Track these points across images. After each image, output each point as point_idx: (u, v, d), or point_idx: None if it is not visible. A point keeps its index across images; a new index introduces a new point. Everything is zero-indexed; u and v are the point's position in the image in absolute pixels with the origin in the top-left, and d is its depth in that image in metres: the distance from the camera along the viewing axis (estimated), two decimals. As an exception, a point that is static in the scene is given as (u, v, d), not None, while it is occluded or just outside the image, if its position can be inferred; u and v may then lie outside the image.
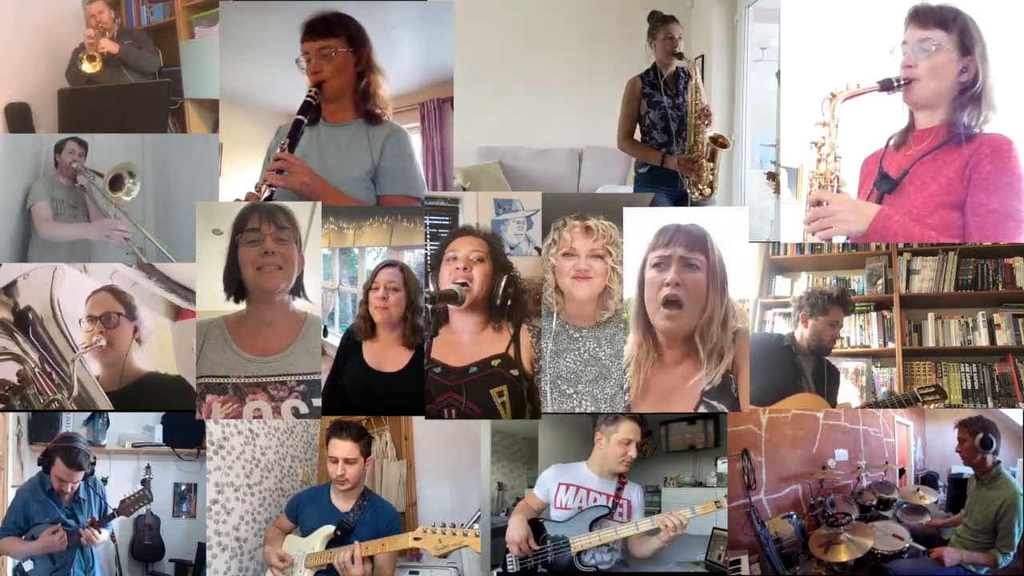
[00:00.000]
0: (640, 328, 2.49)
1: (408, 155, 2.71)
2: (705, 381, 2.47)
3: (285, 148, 2.59)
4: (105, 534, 2.53)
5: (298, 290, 2.60)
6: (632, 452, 2.59)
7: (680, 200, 3.34)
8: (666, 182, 3.35)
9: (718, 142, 3.27)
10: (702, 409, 2.48)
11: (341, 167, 2.68)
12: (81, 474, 2.49)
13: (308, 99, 2.63)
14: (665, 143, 3.38)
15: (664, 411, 2.57)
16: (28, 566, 2.25)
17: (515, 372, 2.52)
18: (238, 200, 2.65)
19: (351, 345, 2.62)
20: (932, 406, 2.69)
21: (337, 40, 2.64)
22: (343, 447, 2.62)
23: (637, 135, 3.46)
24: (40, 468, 2.44)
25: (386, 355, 2.59)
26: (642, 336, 2.49)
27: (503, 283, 2.51)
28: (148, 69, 3.47)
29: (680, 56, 3.33)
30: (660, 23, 3.36)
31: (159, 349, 2.72)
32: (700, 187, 3.31)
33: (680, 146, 3.35)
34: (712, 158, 3.29)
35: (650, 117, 3.39)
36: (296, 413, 2.57)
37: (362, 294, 2.61)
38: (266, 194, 2.59)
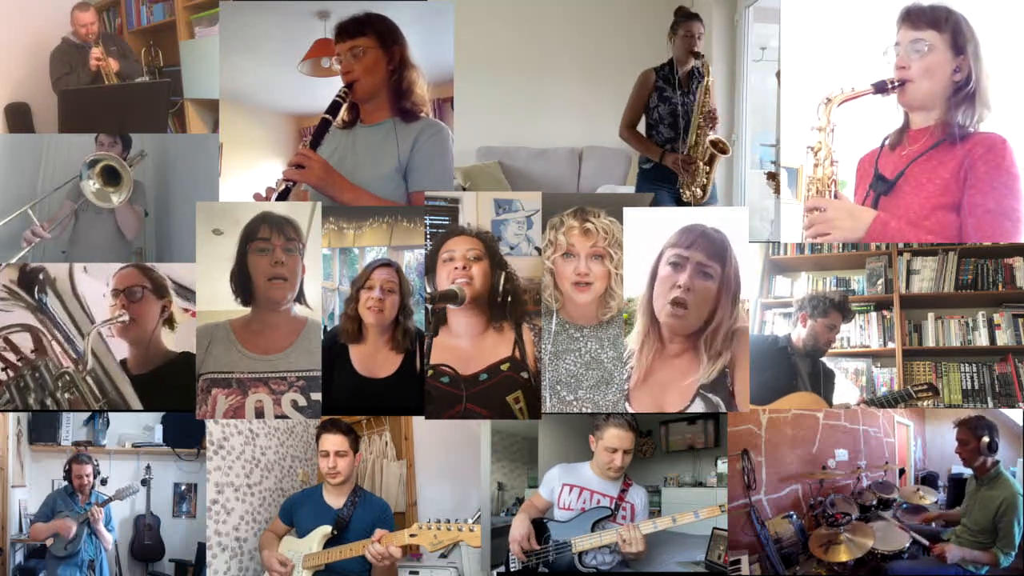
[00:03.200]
0: (646, 318, 2.48)
1: (442, 151, 2.68)
2: (703, 377, 2.47)
3: (307, 145, 2.61)
4: (110, 537, 2.91)
5: (299, 296, 2.63)
6: (618, 460, 2.56)
7: (681, 198, 3.31)
8: (669, 179, 3.33)
9: (718, 147, 3.24)
10: (698, 403, 2.48)
11: (370, 165, 2.68)
12: (89, 467, 2.92)
13: (337, 98, 2.63)
14: (670, 139, 3.34)
15: (658, 407, 2.54)
16: (50, 542, 2.82)
17: (524, 375, 2.52)
18: (257, 194, 2.65)
19: (336, 350, 2.59)
20: (925, 403, 2.69)
21: (367, 40, 2.64)
22: (333, 440, 2.67)
23: (643, 128, 3.41)
24: (64, 477, 2.94)
25: (375, 360, 2.58)
26: (648, 326, 2.48)
27: (501, 280, 2.51)
28: (133, 78, 3.48)
29: (698, 56, 3.30)
30: (683, 19, 3.32)
31: (189, 333, 2.65)
32: (692, 189, 3.29)
33: (683, 145, 3.33)
34: (710, 162, 3.27)
35: (659, 111, 3.35)
36: (295, 405, 2.58)
37: (351, 292, 2.59)
38: (282, 188, 2.59)
